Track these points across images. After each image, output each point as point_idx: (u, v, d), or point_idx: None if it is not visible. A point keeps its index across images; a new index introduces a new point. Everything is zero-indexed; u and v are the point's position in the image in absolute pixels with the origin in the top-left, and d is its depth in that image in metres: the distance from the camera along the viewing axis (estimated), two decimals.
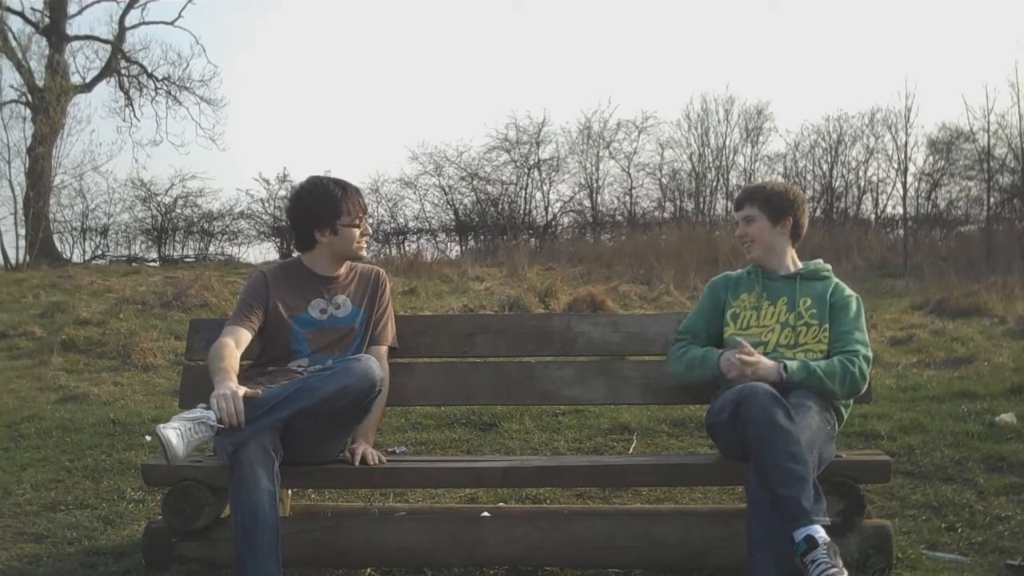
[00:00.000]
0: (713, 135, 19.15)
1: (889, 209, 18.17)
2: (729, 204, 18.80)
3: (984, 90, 24.71)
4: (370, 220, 3.10)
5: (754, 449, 2.52)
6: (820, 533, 2.38)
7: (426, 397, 3.32)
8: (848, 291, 3.02)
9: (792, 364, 2.79)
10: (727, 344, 2.98)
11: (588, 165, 19.11)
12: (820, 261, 3.09)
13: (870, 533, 2.78)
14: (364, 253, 3.11)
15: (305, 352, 2.98)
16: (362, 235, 3.06)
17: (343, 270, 3.12)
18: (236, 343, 2.87)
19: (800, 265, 3.07)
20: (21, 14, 18.61)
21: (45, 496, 3.85)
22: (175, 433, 2.48)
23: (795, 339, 2.92)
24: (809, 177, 18.84)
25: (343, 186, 3.04)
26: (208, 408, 2.57)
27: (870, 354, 2.88)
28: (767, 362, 2.80)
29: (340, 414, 2.74)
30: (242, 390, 2.60)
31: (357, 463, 2.86)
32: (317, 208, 3.01)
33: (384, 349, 3.10)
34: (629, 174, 19.17)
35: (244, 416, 2.55)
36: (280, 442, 2.64)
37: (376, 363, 2.78)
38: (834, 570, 2.32)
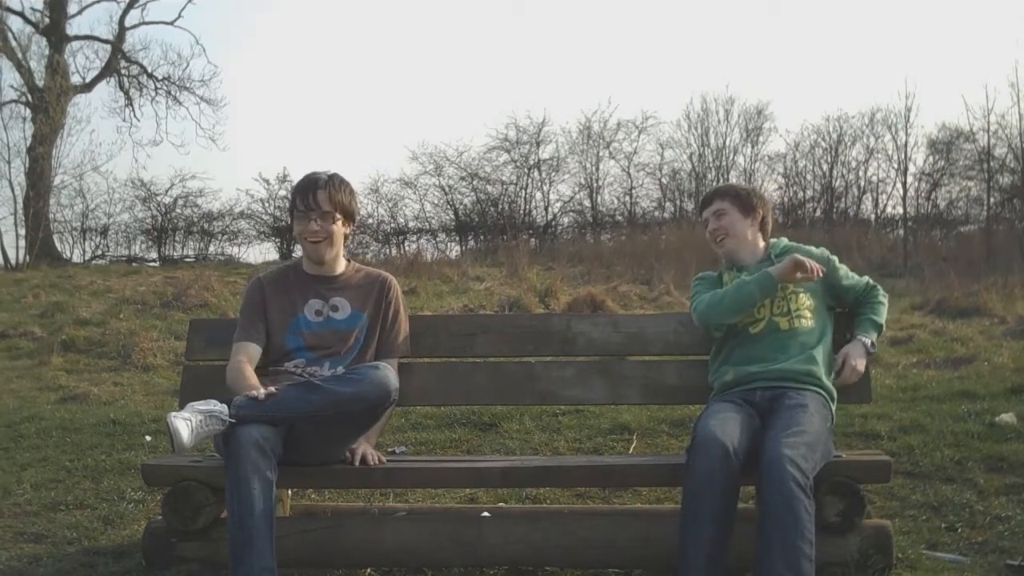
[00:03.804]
0: (713, 135, 19.19)
1: (889, 209, 18.23)
2: None
3: (984, 90, 24.76)
4: (313, 215, 2.97)
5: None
6: None
7: (426, 397, 3.31)
8: (816, 249, 3.11)
9: (868, 339, 3.01)
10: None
11: (588, 165, 19.16)
12: (784, 239, 3.15)
13: (870, 533, 2.78)
14: (319, 251, 2.97)
15: (301, 353, 2.96)
16: (309, 230, 2.94)
17: (345, 270, 3.09)
18: (249, 360, 2.90)
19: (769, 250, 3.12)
20: (21, 14, 18.68)
21: (45, 496, 3.85)
22: (185, 424, 2.47)
23: (787, 306, 2.97)
24: (809, 177, 18.89)
25: (302, 180, 3.02)
26: (222, 403, 2.58)
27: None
28: (855, 346, 2.99)
29: (350, 420, 2.74)
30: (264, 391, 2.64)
31: (357, 463, 2.86)
32: (290, 203, 3.04)
33: (396, 361, 3.04)
34: (629, 174, 19.21)
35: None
36: (282, 441, 2.63)
37: (393, 373, 2.78)
38: None
